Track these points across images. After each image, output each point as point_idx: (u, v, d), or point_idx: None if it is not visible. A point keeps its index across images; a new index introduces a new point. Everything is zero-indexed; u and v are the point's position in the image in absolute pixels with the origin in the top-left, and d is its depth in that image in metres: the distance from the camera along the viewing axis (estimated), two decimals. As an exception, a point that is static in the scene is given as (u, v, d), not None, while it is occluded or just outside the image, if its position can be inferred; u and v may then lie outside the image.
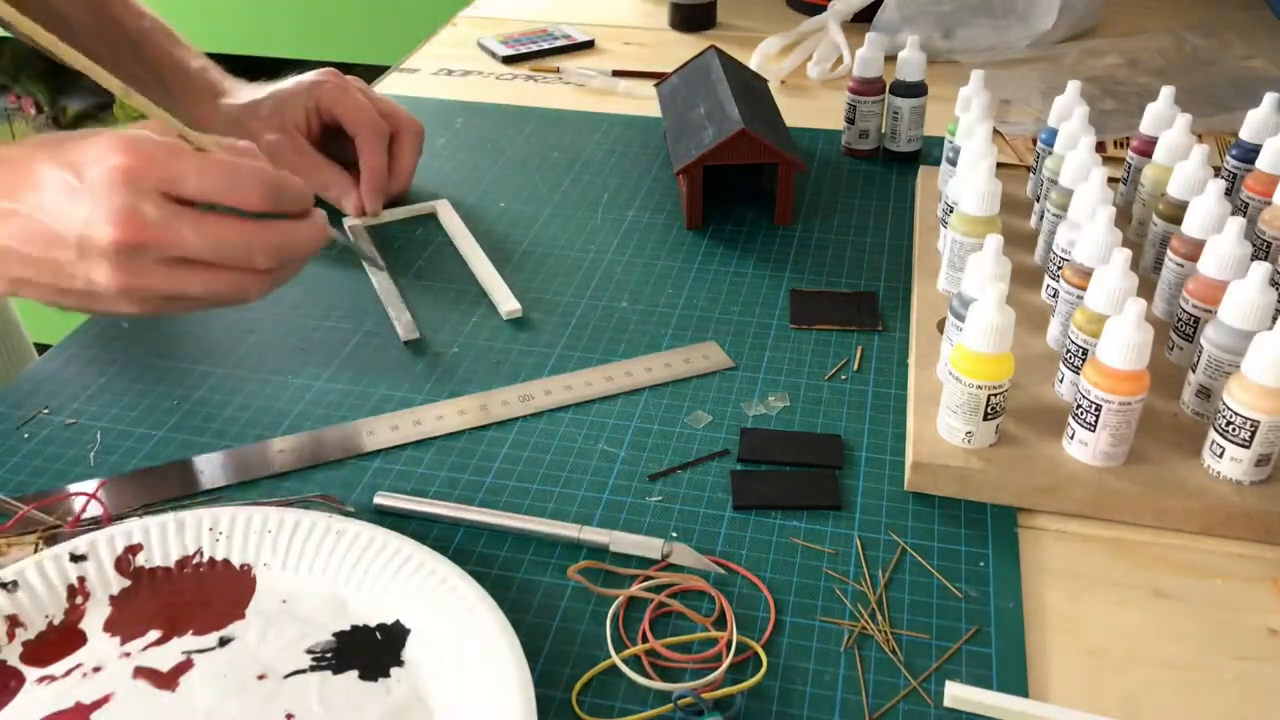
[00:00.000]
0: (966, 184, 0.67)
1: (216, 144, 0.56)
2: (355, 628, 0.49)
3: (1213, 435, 0.55)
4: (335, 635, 0.49)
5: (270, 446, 0.61)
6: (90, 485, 0.58)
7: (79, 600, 0.50)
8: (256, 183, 0.54)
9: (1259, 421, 0.53)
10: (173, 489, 0.58)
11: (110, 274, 0.53)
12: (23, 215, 0.53)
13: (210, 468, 0.59)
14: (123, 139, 0.52)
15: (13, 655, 0.48)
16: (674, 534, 0.55)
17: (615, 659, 0.48)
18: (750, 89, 0.88)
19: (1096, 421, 0.55)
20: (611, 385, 0.66)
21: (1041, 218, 0.75)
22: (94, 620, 0.50)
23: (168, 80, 0.82)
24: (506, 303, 0.73)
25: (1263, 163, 0.70)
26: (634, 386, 0.65)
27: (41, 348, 0.73)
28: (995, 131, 0.91)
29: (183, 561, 0.52)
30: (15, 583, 0.50)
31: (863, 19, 1.16)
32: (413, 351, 0.69)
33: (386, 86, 1.08)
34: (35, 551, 0.52)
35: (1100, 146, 0.85)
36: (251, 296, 0.56)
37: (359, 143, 0.80)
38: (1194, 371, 0.58)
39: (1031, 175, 0.82)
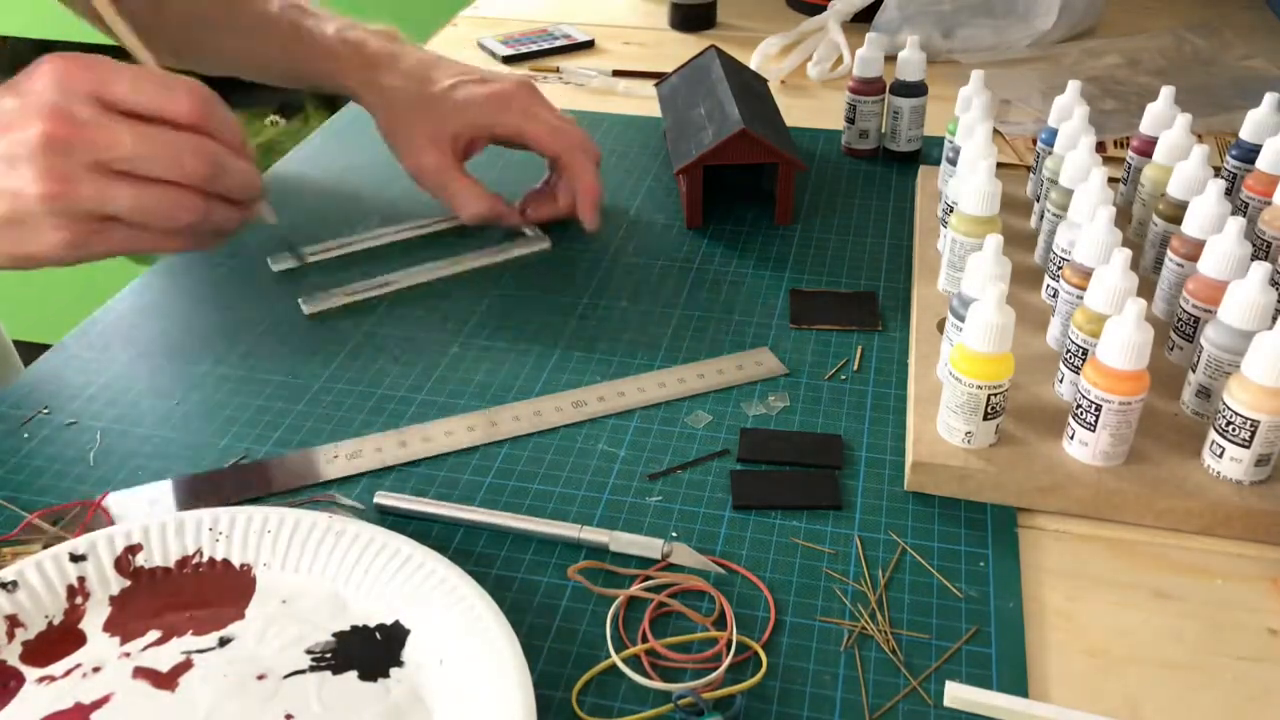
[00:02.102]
0: (966, 184, 0.67)
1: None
2: (355, 628, 0.49)
3: (1213, 435, 0.55)
4: (335, 635, 0.49)
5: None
6: (131, 490, 0.58)
7: (79, 600, 0.50)
8: (188, 94, 0.54)
9: (1259, 421, 0.53)
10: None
11: (36, 178, 0.52)
12: None
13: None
14: (58, 55, 0.53)
15: (12, 655, 0.48)
16: (674, 534, 0.55)
17: (615, 659, 0.48)
18: (750, 89, 0.88)
19: (1096, 421, 0.55)
20: (665, 392, 0.65)
21: (1041, 218, 0.75)
22: (94, 620, 0.50)
23: (309, 57, 0.79)
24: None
25: (1263, 163, 0.70)
26: (687, 393, 0.65)
27: (41, 348, 0.73)
28: (995, 131, 0.91)
29: (183, 561, 0.52)
30: (15, 583, 0.49)
31: (863, 19, 1.16)
32: (414, 350, 0.69)
33: (386, 86, 1.08)
34: (35, 551, 0.52)
35: (1100, 146, 0.85)
36: (182, 220, 0.55)
37: (565, 162, 0.77)
38: (1194, 371, 0.58)
39: (1031, 175, 0.82)
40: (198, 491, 0.58)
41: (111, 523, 0.54)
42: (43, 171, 0.52)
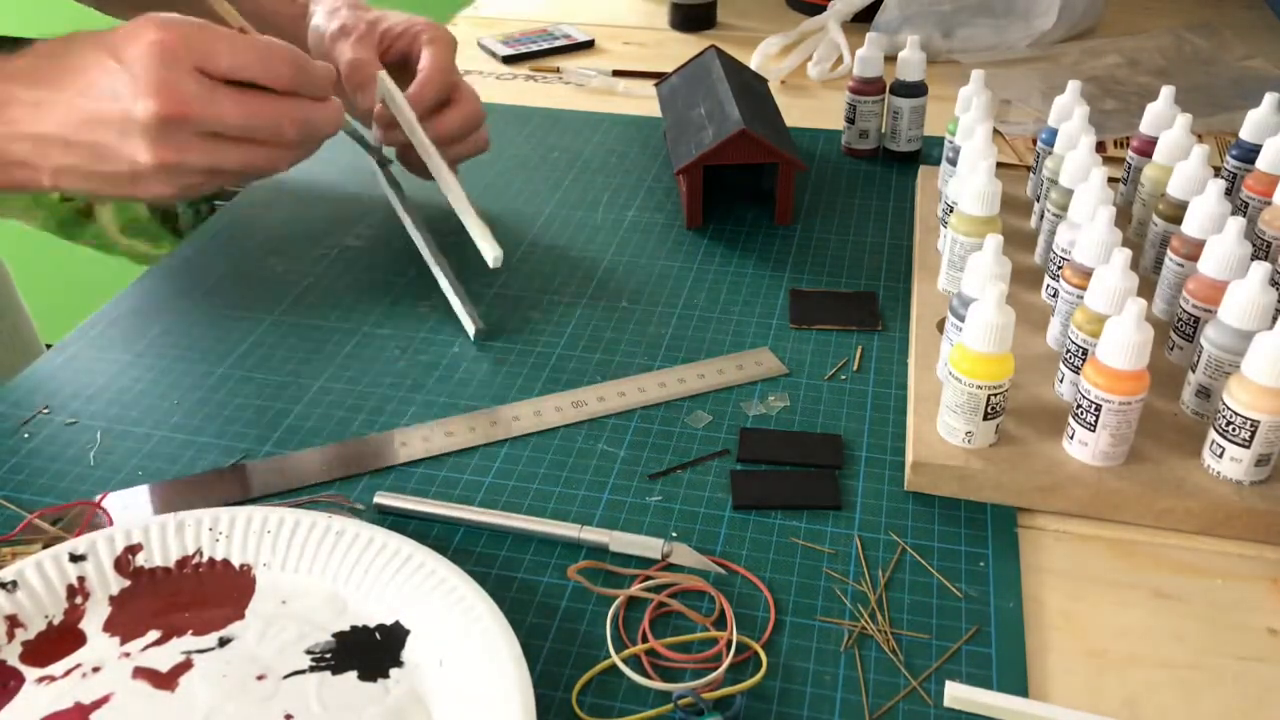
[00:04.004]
0: (966, 184, 0.67)
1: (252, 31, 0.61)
2: (355, 628, 0.49)
3: (1213, 435, 0.55)
4: (335, 636, 0.49)
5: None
6: (127, 492, 0.58)
7: (78, 600, 0.50)
8: (286, 60, 0.58)
9: (1259, 421, 0.53)
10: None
11: (150, 150, 0.56)
12: (65, 102, 0.56)
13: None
14: (157, 18, 0.56)
15: (12, 655, 0.48)
16: (674, 534, 0.55)
17: (615, 659, 0.48)
18: (750, 89, 0.88)
19: (1096, 421, 0.55)
20: (665, 392, 0.65)
21: (1041, 218, 0.75)
22: (93, 620, 0.50)
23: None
24: (490, 249, 0.68)
25: (1263, 163, 0.70)
26: (687, 393, 0.65)
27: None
28: (995, 131, 0.91)
29: (182, 561, 0.52)
30: (15, 583, 0.49)
31: (863, 19, 1.16)
32: (414, 350, 0.69)
33: (386, 86, 1.08)
34: (35, 551, 0.52)
35: (1100, 146, 0.85)
36: (282, 167, 0.61)
37: (420, 79, 0.77)
38: (1194, 371, 0.58)
39: (1031, 175, 0.82)
40: (195, 491, 0.58)
41: (111, 523, 0.54)
42: (156, 143, 0.56)
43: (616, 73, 1.10)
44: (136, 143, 0.56)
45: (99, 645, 0.49)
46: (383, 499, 0.56)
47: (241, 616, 0.50)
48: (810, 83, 1.10)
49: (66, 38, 0.58)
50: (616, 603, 0.51)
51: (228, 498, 0.57)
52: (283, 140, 0.60)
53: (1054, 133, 0.76)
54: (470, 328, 0.70)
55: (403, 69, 0.79)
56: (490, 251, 0.69)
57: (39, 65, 0.57)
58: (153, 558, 0.52)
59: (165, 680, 0.47)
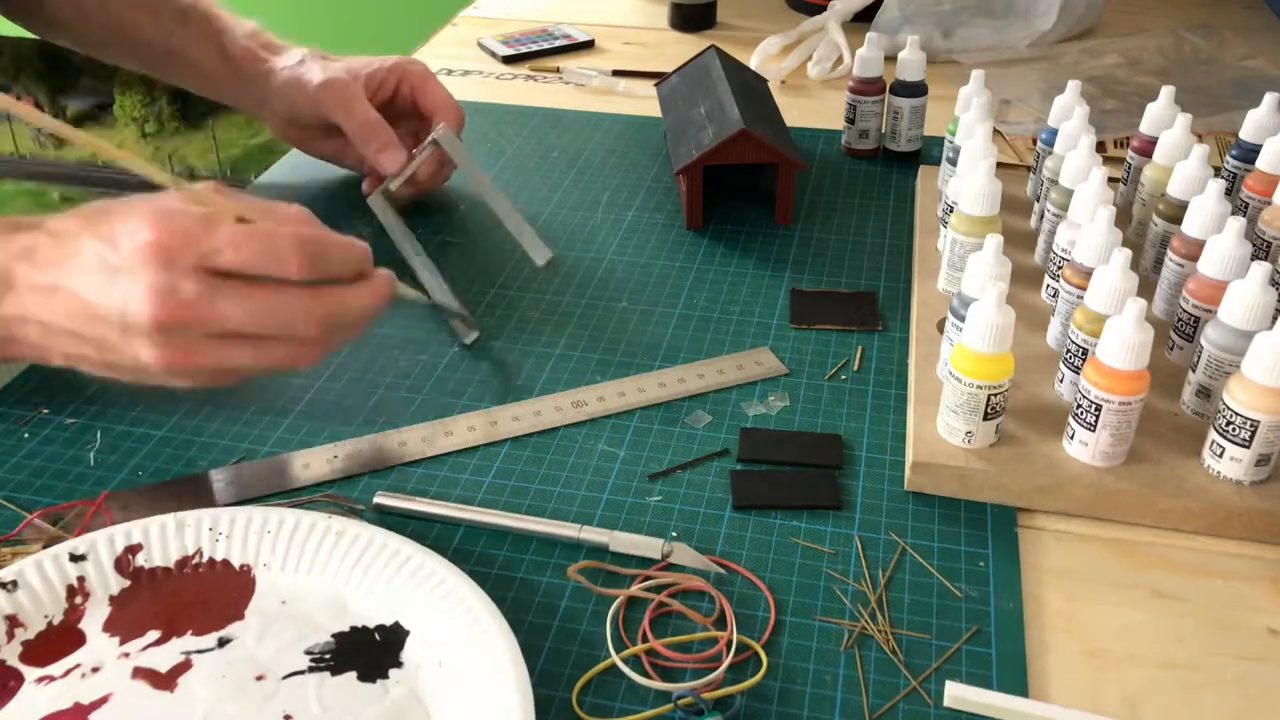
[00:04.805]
0: (966, 184, 0.67)
1: (259, 209, 0.54)
2: (354, 629, 0.49)
3: (1213, 435, 0.55)
4: (334, 636, 0.49)
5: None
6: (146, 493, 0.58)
7: (78, 600, 0.50)
8: (295, 249, 0.52)
9: (1259, 421, 0.53)
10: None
11: (153, 353, 0.51)
12: (68, 291, 0.52)
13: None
14: (155, 213, 0.51)
15: (12, 655, 0.48)
16: (674, 534, 0.55)
17: (615, 659, 0.48)
18: (750, 89, 0.88)
19: (1096, 421, 0.55)
20: (665, 392, 0.65)
21: (1041, 218, 0.75)
22: (93, 620, 0.50)
23: (220, 43, 0.82)
24: (538, 251, 0.70)
25: (1263, 163, 0.70)
26: (687, 393, 0.65)
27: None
28: (995, 131, 0.91)
29: (182, 562, 0.52)
30: (15, 582, 0.49)
31: (863, 19, 1.16)
32: (414, 350, 0.69)
33: (386, 86, 1.08)
34: (35, 552, 0.52)
35: (1100, 146, 0.85)
36: (303, 364, 0.55)
37: (438, 118, 0.80)
38: (1194, 371, 0.58)
39: (1031, 175, 0.82)
40: (196, 491, 0.58)
41: (112, 523, 0.54)
42: (159, 347, 0.51)
43: (616, 73, 1.10)
44: (139, 344, 0.51)
45: (99, 645, 0.49)
46: (382, 499, 0.56)
47: (241, 617, 0.50)
48: (810, 83, 1.10)
49: (69, 214, 0.53)
50: (616, 603, 0.51)
51: (225, 498, 0.57)
52: (299, 335, 0.53)
53: (1054, 133, 0.76)
54: (469, 335, 0.69)
55: (389, 105, 0.82)
56: (541, 254, 0.70)
57: (39, 245, 0.53)
58: (153, 558, 0.52)
59: (165, 680, 0.47)
